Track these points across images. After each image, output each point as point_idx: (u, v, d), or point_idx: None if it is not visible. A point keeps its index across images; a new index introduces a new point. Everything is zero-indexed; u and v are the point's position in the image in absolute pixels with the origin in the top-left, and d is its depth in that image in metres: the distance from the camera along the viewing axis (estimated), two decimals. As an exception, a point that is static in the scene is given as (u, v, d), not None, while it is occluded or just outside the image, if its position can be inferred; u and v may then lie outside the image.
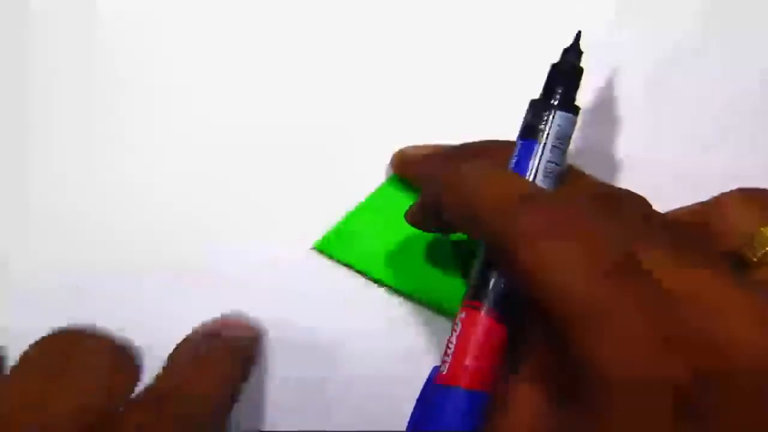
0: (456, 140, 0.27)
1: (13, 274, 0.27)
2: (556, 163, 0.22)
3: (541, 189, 0.22)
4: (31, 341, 0.21)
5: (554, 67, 0.23)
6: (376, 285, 0.28)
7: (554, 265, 0.18)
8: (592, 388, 0.17)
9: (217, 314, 0.26)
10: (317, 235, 0.28)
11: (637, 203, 0.22)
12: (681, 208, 0.25)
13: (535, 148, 0.22)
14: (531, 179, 0.22)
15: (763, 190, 0.24)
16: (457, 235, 0.28)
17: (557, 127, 0.22)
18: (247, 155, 0.29)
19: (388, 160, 0.28)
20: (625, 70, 0.29)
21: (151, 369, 0.22)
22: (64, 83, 0.29)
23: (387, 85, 0.29)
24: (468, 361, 0.21)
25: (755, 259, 0.23)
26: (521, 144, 0.23)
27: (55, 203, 0.28)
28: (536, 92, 0.23)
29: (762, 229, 0.23)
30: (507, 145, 0.23)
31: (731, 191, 0.24)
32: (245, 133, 0.29)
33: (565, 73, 0.23)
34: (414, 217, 0.25)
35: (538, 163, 0.22)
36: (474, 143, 0.26)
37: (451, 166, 0.23)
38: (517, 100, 0.23)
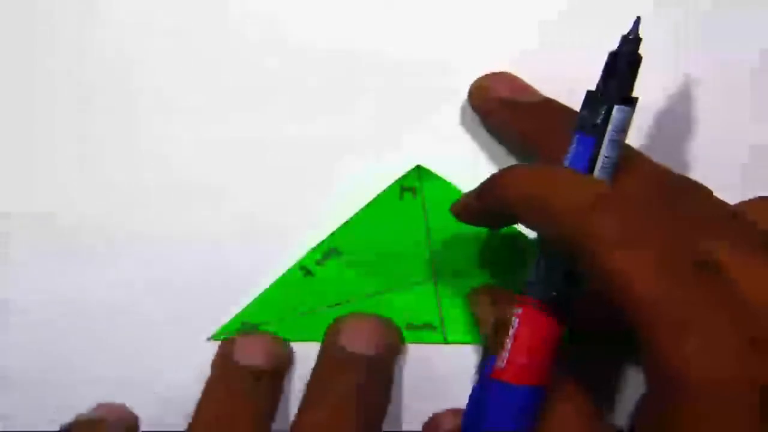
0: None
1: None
2: (613, 157, 0.22)
3: (612, 190, 0.21)
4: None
5: (613, 56, 0.22)
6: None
7: (634, 273, 0.18)
8: (677, 392, 0.17)
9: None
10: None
11: (702, 193, 0.22)
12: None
13: (594, 143, 0.22)
14: (591, 174, 0.22)
15: None
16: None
17: (616, 122, 0.22)
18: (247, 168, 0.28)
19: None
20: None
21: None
22: (62, 86, 0.28)
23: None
24: (528, 359, 0.21)
25: None
26: (579, 138, 0.22)
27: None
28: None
29: None
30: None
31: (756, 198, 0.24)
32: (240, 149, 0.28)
33: (625, 63, 0.22)
34: (467, 209, 0.24)
35: (598, 159, 0.22)
36: (554, 105, 0.26)
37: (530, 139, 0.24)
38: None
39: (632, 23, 0.22)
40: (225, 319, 0.27)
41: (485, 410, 0.21)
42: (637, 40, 0.22)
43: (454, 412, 0.26)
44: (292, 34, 0.28)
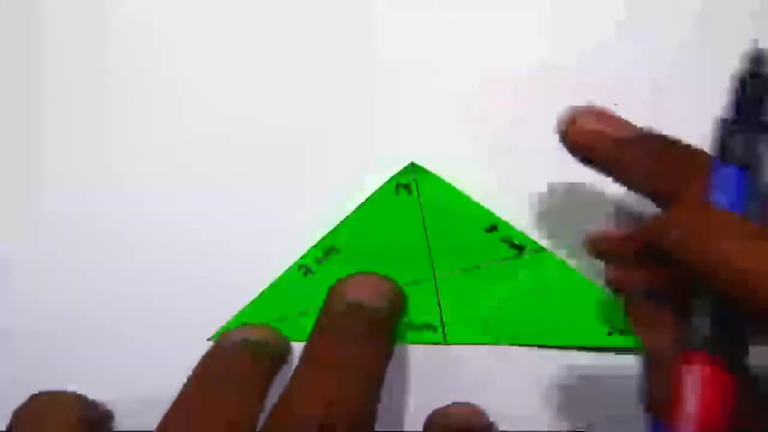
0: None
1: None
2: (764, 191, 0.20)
3: None
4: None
5: (742, 81, 0.21)
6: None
7: None
8: None
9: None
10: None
11: None
12: None
13: (746, 175, 0.20)
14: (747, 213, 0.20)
15: None
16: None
17: (763, 150, 0.20)
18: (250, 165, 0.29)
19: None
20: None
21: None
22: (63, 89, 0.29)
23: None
24: (716, 418, 0.19)
25: None
26: (729, 171, 0.20)
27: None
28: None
29: None
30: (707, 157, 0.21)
31: None
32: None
33: (761, 87, 0.20)
34: (611, 246, 0.23)
35: (754, 191, 0.20)
36: (669, 139, 0.23)
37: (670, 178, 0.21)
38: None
39: (751, 42, 0.21)
40: (225, 319, 0.27)
41: None
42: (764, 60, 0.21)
43: (466, 407, 0.26)
44: (291, 34, 0.29)
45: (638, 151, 0.23)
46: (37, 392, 0.24)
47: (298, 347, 0.27)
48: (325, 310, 0.25)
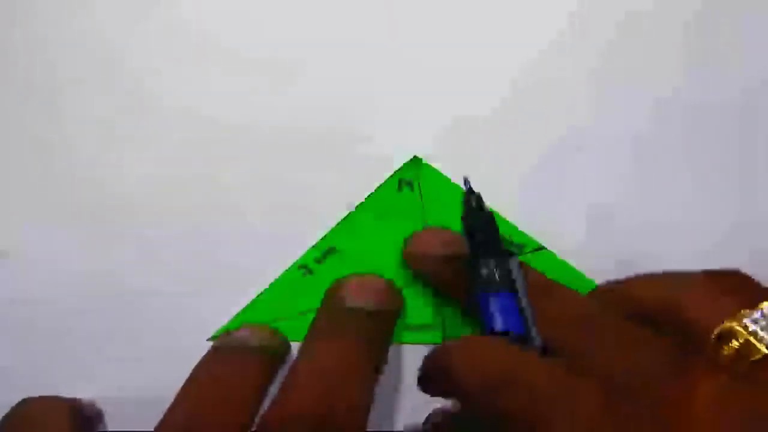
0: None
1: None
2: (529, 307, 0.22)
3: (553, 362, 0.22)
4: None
5: (468, 220, 0.24)
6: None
7: None
8: None
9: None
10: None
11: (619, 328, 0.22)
12: (647, 289, 0.24)
13: (516, 297, 0.22)
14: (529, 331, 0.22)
15: (728, 274, 0.23)
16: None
17: (516, 270, 0.23)
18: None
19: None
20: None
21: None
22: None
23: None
24: None
25: (725, 361, 0.21)
26: (499, 297, 0.22)
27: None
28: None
29: (726, 324, 0.21)
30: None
31: (696, 275, 0.23)
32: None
33: (486, 222, 0.24)
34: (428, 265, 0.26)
35: (525, 312, 0.22)
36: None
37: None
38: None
39: (464, 185, 0.24)
40: (225, 319, 0.27)
41: None
42: (479, 199, 0.24)
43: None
44: (291, 31, 0.29)
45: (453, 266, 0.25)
46: (26, 398, 0.24)
47: (297, 347, 0.27)
48: (322, 310, 0.25)
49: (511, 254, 0.23)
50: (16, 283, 0.27)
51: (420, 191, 0.28)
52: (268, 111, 0.29)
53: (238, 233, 0.28)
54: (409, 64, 0.29)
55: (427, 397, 0.25)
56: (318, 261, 0.28)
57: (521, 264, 0.24)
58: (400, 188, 0.28)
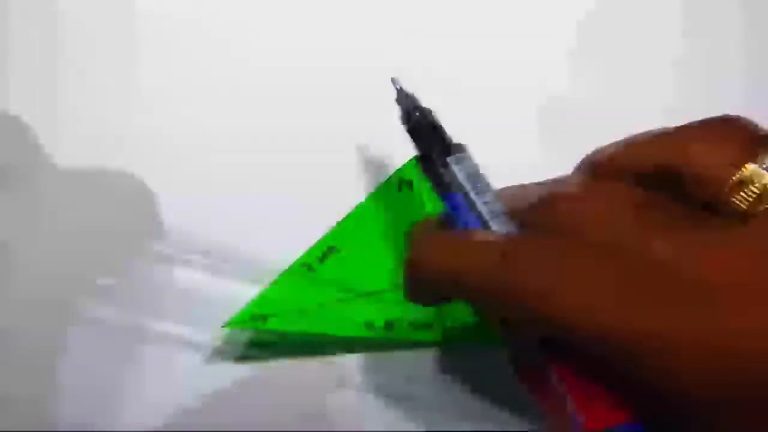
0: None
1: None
2: (491, 201, 0.22)
3: (511, 238, 0.21)
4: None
5: (408, 124, 0.23)
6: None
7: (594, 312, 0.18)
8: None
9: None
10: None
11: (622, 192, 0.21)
12: (635, 148, 0.22)
13: (461, 198, 0.22)
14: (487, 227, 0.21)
15: (721, 120, 0.21)
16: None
17: (466, 170, 0.22)
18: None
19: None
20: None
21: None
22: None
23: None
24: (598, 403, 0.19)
25: (745, 208, 0.19)
26: (449, 197, 0.22)
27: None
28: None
29: (746, 167, 0.19)
30: None
31: (687, 126, 0.21)
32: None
33: (423, 125, 0.23)
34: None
35: (478, 207, 0.22)
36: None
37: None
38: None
39: (395, 88, 0.23)
40: (225, 317, 0.27)
41: None
42: (413, 100, 0.23)
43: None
44: (292, 33, 0.29)
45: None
46: None
47: (295, 344, 0.27)
48: None
49: (460, 149, 0.23)
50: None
51: (420, 191, 0.28)
52: (268, 111, 0.29)
53: (239, 233, 0.28)
54: (409, 64, 0.28)
55: (426, 401, 0.26)
56: (319, 260, 0.28)
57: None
58: (400, 188, 0.28)
